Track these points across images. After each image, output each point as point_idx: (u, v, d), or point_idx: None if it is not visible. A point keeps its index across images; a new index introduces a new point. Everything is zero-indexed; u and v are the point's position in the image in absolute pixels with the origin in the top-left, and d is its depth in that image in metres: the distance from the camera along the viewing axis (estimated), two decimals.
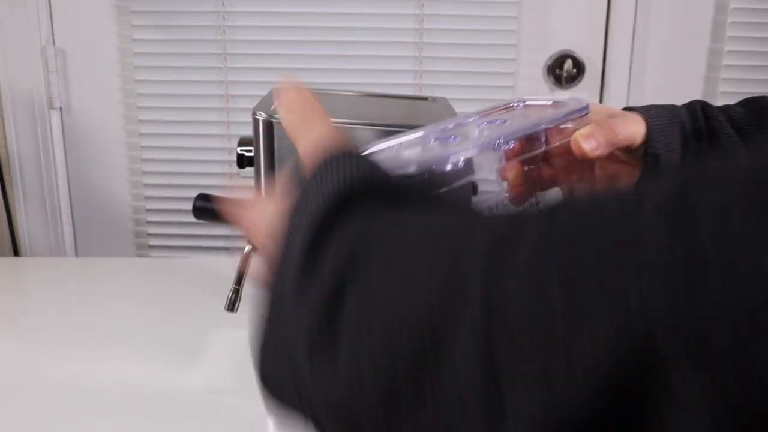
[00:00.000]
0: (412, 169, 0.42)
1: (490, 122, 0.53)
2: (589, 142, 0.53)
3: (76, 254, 1.38)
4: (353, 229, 0.32)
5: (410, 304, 0.28)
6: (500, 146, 0.48)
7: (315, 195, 0.34)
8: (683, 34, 1.31)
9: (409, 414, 0.27)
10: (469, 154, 0.45)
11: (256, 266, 0.45)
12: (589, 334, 0.23)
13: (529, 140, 0.53)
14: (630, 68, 1.31)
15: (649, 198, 0.24)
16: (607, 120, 0.56)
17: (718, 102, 0.63)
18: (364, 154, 0.40)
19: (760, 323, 0.21)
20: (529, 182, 0.56)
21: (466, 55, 1.29)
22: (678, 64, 1.32)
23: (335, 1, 1.28)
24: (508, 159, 0.52)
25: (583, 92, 1.31)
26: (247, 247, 0.82)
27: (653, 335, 0.22)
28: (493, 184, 0.54)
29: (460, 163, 0.44)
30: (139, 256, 1.38)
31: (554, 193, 0.59)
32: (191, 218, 0.86)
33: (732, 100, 0.65)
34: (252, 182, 0.73)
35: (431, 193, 0.40)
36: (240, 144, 0.75)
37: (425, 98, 0.90)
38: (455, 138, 0.48)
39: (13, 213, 1.35)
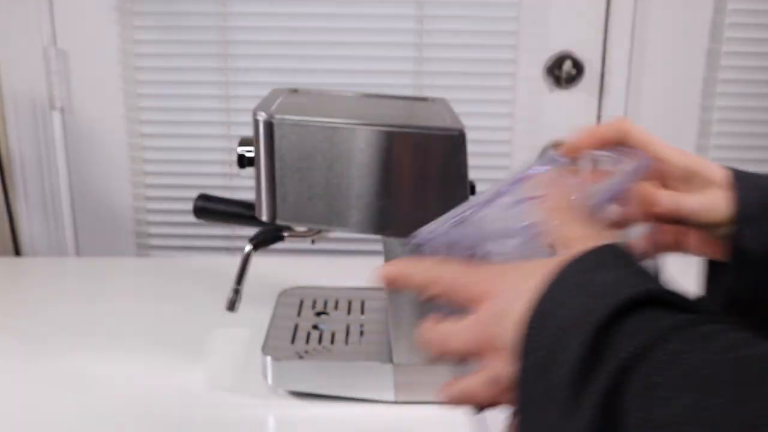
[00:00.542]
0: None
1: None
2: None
3: (77, 254, 1.38)
4: (644, 333, 0.31)
5: None
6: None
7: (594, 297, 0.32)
8: (682, 34, 1.31)
9: None
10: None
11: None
12: None
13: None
14: (629, 69, 1.31)
15: None
16: (669, 190, 0.49)
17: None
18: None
19: None
20: None
21: (466, 55, 1.30)
22: (676, 64, 1.32)
23: (335, 2, 1.28)
24: None
25: (582, 93, 1.31)
26: (248, 247, 0.82)
27: None
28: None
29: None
30: (140, 256, 1.39)
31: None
32: (192, 218, 0.86)
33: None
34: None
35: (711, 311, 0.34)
36: (240, 144, 0.75)
37: (425, 99, 0.90)
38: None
39: (14, 213, 1.36)
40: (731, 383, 0.27)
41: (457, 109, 0.83)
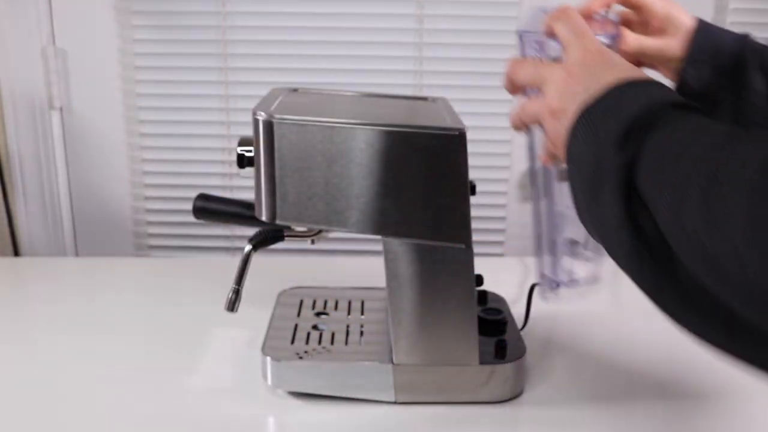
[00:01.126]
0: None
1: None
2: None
3: (76, 254, 1.38)
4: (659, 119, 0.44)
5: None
6: None
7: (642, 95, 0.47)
8: None
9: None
10: None
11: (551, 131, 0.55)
12: None
13: None
14: None
15: None
16: (645, 35, 0.68)
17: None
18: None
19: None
20: None
21: (466, 55, 1.29)
22: None
23: (335, 2, 1.28)
24: None
25: None
26: (247, 247, 0.82)
27: None
28: None
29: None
30: (139, 256, 1.38)
31: None
32: (191, 218, 0.86)
33: None
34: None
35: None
36: (240, 144, 0.75)
37: (425, 98, 0.90)
38: None
39: (13, 213, 1.35)
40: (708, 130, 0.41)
41: (457, 109, 0.83)
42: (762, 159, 0.34)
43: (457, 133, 0.70)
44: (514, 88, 0.61)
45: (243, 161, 0.74)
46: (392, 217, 0.72)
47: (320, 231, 0.82)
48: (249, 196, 0.75)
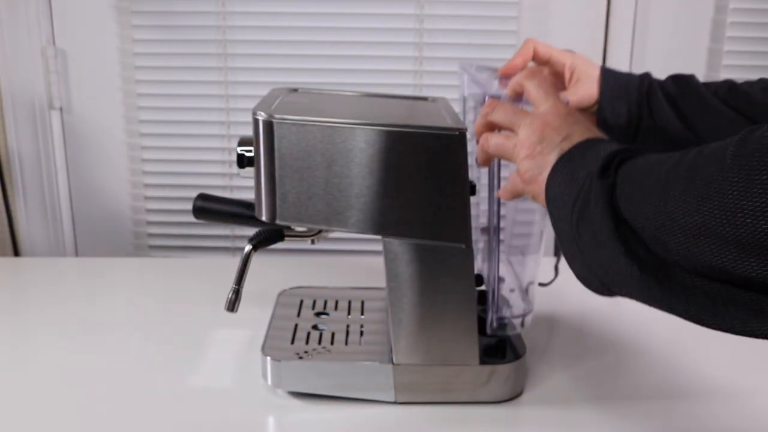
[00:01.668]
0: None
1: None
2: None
3: (76, 254, 1.38)
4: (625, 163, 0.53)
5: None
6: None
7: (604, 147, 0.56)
8: (683, 34, 1.31)
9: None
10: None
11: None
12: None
13: None
14: (630, 68, 1.31)
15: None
16: (568, 86, 0.78)
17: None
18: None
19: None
20: None
21: (466, 55, 1.29)
22: (678, 64, 1.32)
23: (335, 2, 1.28)
24: None
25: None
26: (247, 247, 0.82)
27: None
28: None
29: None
30: (139, 256, 1.38)
31: None
32: (191, 218, 0.86)
33: None
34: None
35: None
36: (240, 144, 0.75)
37: (425, 98, 0.90)
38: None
39: (13, 213, 1.35)
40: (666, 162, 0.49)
41: (458, 108, 0.83)
42: (689, 159, 0.47)
43: (457, 133, 0.70)
44: (487, 127, 0.66)
45: (243, 161, 0.74)
46: (392, 217, 0.72)
47: (320, 231, 0.82)
48: (249, 196, 0.75)
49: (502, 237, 0.75)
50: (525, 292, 0.81)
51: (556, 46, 0.81)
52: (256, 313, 0.91)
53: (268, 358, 0.78)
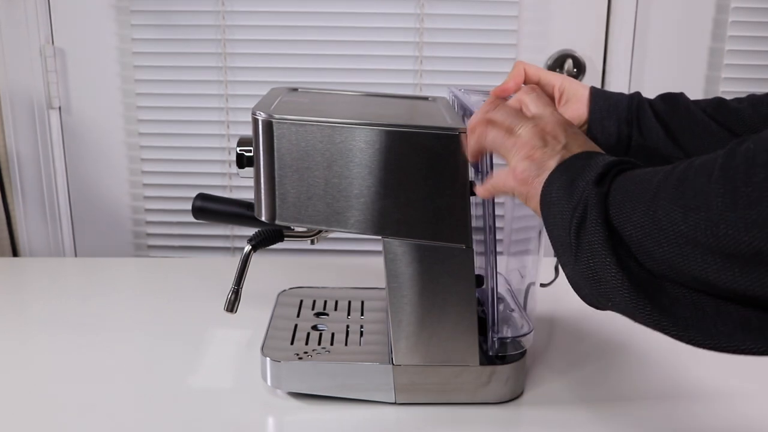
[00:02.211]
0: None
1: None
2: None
3: (75, 254, 1.38)
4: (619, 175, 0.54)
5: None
6: None
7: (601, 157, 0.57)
8: (684, 33, 1.31)
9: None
10: None
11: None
12: None
13: None
14: (630, 67, 1.31)
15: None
16: (558, 107, 0.79)
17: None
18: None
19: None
20: None
21: (466, 55, 1.29)
22: (679, 63, 1.32)
23: (335, 1, 1.28)
24: None
25: None
26: (247, 247, 0.82)
27: None
28: None
29: None
30: (138, 256, 1.38)
31: None
32: (191, 218, 0.86)
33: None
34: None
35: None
36: (240, 144, 0.75)
37: (425, 98, 0.90)
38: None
39: (12, 213, 1.35)
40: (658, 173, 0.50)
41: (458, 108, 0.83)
42: (681, 170, 0.48)
43: (457, 133, 0.70)
44: (484, 123, 0.67)
45: (243, 161, 0.74)
46: (392, 217, 0.72)
47: (320, 231, 0.82)
48: (249, 196, 0.75)
49: (500, 237, 0.75)
50: (524, 309, 0.82)
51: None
52: (256, 313, 0.91)
53: (268, 358, 0.78)
